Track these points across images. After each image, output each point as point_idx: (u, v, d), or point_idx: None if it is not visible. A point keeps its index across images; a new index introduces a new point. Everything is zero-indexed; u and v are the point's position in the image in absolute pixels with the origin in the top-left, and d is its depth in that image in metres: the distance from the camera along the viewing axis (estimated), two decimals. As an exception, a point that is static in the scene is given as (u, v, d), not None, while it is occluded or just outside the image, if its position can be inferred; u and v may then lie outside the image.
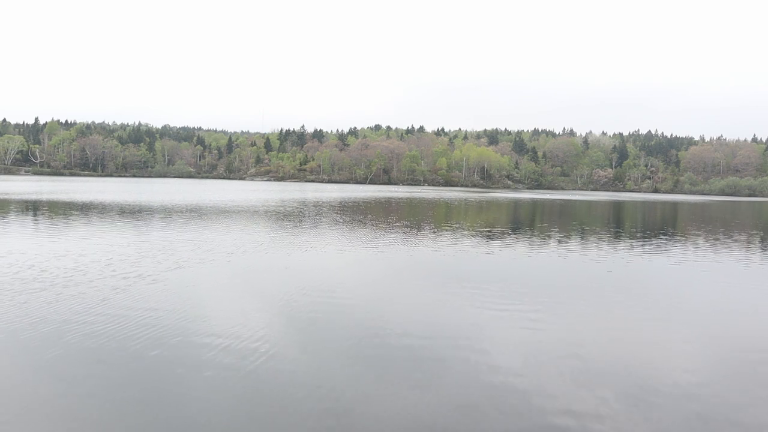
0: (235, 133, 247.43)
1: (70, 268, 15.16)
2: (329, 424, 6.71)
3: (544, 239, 26.53)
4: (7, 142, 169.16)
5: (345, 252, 20.18)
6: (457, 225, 32.95)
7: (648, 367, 9.01)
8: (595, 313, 12.32)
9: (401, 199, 68.14)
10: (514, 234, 28.91)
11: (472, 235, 26.98)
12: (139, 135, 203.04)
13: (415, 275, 16.36)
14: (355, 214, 39.32)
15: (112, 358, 8.53)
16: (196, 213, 35.42)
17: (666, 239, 28.27)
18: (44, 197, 48.28)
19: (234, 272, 15.56)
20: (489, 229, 30.82)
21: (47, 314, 10.64)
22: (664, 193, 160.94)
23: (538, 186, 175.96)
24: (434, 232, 28.34)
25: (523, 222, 38.89)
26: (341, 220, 33.15)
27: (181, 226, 26.80)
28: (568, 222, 38.97)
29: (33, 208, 36.81)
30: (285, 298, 12.66)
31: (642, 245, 25.20)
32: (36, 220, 28.92)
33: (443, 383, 8.03)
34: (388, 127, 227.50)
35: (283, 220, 32.69)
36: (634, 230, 33.55)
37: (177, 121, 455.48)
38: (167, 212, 35.35)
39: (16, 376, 7.86)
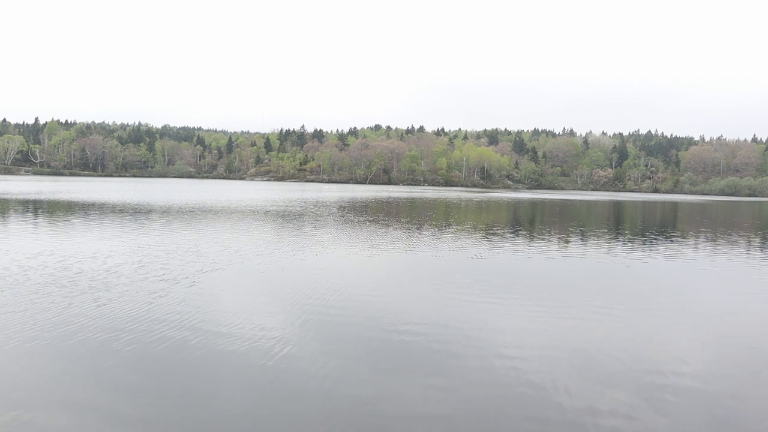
0: (235, 133, 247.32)
1: (103, 270, 15.12)
2: (350, 418, 6.92)
3: (550, 239, 26.61)
4: (7, 142, 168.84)
5: (369, 252, 20.09)
6: (463, 225, 33.02)
7: (658, 363, 9.21)
8: (605, 312, 12.49)
9: (405, 199, 68.17)
10: (520, 234, 28.99)
11: (478, 235, 27.17)
12: (139, 135, 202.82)
13: (428, 274, 16.47)
14: (367, 214, 39.33)
15: (163, 363, 8.52)
16: (210, 213, 35.38)
17: (669, 239, 28.39)
18: (54, 197, 48.15)
19: (266, 274, 15.51)
20: (494, 230, 30.98)
21: (94, 317, 10.59)
22: (664, 193, 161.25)
23: (538, 186, 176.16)
24: (442, 232, 28.38)
25: (528, 222, 38.88)
26: (356, 221, 33.14)
27: (201, 226, 26.74)
28: (571, 222, 39.04)
29: (47, 208, 36.72)
30: (319, 298, 12.65)
31: (646, 246, 25.25)
32: (53, 220, 28.81)
33: (460, 378, 8.25)
34: (388, 127, 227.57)
35: (298, 219, 32.65)
36: (637, 231, 33.62)
37: (177, 121, 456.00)
38: (181, 212, 35.28)
39: (68, 381, 7.81)
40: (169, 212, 35.61)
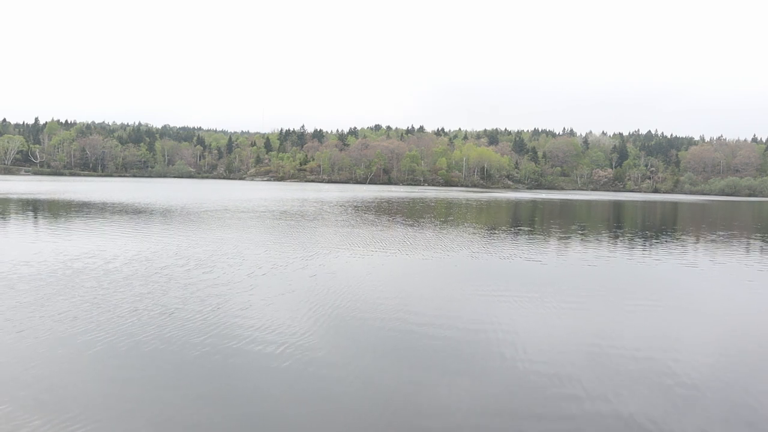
0: (235, 133, 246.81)
1: (153, 272, 14.92)
2: (373, 414, 7.13)
3: (556, 240, 26.83)
4: (7, 142, 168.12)
5: (405, 253, 20.01)
6: (469, 225, 33.17)
7: (671, 360, 9.37)
8: (618, 310, 12.75)
9: (410, 199, 68.12)
10: (526, 234, 29.22)
11: (486, 235, 27.49)
12: (139, 135, 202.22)
13: (450, 274, 16.73)
14: (385, 215, 39.17)
15: (242, 373, 8.44)
16: (227, 213, 35.19)
17: (672, 239, 28.76)
18: (62, 197, 47.87)
19: (317, 278, 15.30)
20: (500, 229, 31.30)
21: (165, 324, 10.44)
22: (664, 193, 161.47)
23: (538, 186, 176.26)
24: (452, 231, 28.52)
25: (531, 222, 39.00)
26: (377, 221, 32.96)
27: (228, 227, 26.54)
28: (574, 223, 39.23)
29: (66, 208, 36.48)
30: (374, 302, 12.58)
31: (648, 246, 25.50)
32: (78, 220, 28.47)
33: (480, 375, 8.45)
34: (388, 127, 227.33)
35: (320, 220, 32.46)
36: (639, 231, 33.93)
37: (177, 121, 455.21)
38: (200, 212, 35.02)
39: (146, 386, 7.70)
40: (188, 213, 35.37)
